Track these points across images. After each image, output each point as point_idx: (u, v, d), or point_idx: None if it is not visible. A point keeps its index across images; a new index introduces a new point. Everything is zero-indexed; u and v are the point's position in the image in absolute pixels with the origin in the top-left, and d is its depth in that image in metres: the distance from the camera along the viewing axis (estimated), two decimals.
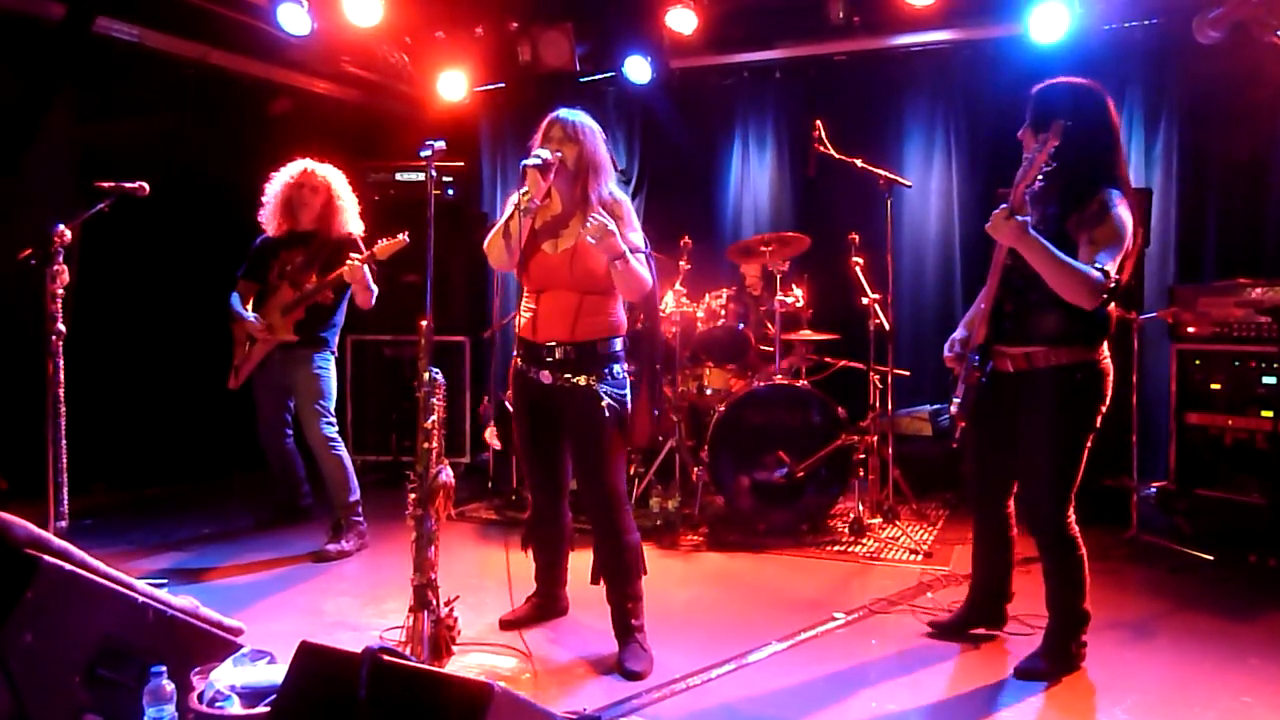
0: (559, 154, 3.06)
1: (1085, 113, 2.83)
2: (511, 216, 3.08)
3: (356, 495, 4.41)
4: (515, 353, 3.28)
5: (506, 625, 3.43)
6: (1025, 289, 2.86)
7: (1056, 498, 2.92)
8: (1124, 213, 2.79)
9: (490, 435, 4.96)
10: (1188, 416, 4.49)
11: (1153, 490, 4.55)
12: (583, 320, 3.11)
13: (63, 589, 2.32)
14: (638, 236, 3.14)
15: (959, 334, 3.18)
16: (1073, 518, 2.97)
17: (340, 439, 4.42)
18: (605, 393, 3.10)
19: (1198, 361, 4.48)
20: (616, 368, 3.15)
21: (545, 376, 3.15)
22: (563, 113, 3.16)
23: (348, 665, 1.80)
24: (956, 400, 3.06)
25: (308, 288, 4.30)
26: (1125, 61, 5.41)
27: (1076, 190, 2.84)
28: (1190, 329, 4.49)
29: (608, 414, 3.09)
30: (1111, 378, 2.93)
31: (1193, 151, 5.30)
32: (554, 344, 3.12)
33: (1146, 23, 5.23)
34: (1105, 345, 2.92)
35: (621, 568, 3.18)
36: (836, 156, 4.68)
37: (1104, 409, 2.92)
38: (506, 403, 5.45)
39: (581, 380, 3.11)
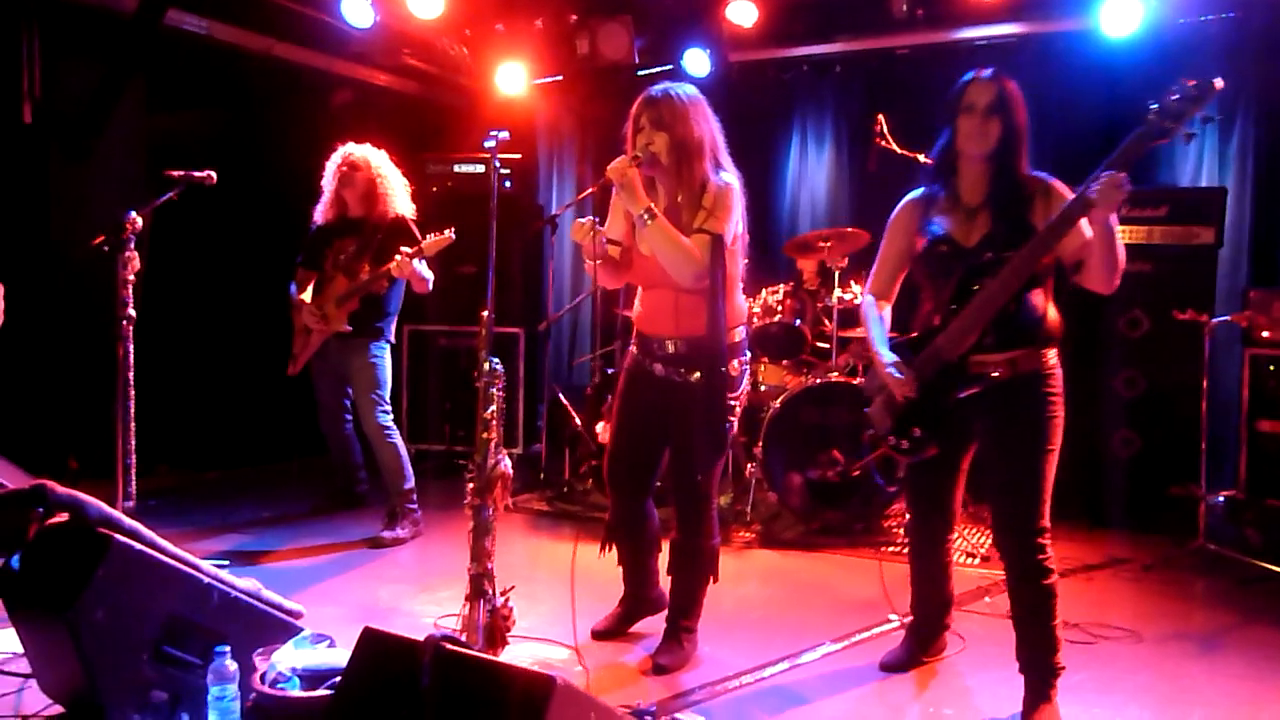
0: (638, 158, 2.87)
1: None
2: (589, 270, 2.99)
3: (411, 483, 4.45)
4: (631, 344, 3.19)
5: (599, 636, 3.30)
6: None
7: (1043, 514, 2.64)
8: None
9: (604, 430, 4.88)
10: (1260, 424, 4.35)
11: (1221, 499, 4.42)
12: (688, 317, 2.94)
13: (133, 568, 2.38)
14: (717, 224, 2.88)
15: (892, 357, 2.76)
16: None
17: (395, 428, 4.47)
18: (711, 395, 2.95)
19: (1272, 367, 4.33)
20: (734, 363, 2.99)
21: (658, 369, 3.06)
22: (654, 92, 2.91)
23: (411, 652, 1.81)
24: (917, 432, 2.73)
25: (361, 279, 4.34)
26: (1199, 57, 5.22)
27: (1021, 181, 2.68)
28: (1264, 333, 4.35)
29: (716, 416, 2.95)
30: None
31: (1269, 151, 5.14)
32: (665, 338, 3.01)
33: (1223, 16, 5.07)
34: None
35: (694, 568, 3.11)
36: (898, 151, 4.61)
37: None
38: (560, 396, 5.51)
39: (695, 377, 2.98)
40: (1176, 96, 2.39)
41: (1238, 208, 5.11)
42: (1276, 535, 4.25)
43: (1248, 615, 3.63)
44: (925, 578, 3.06)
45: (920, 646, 3.13)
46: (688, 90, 2.97)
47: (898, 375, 2.73)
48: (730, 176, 2.99)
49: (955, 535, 3.03)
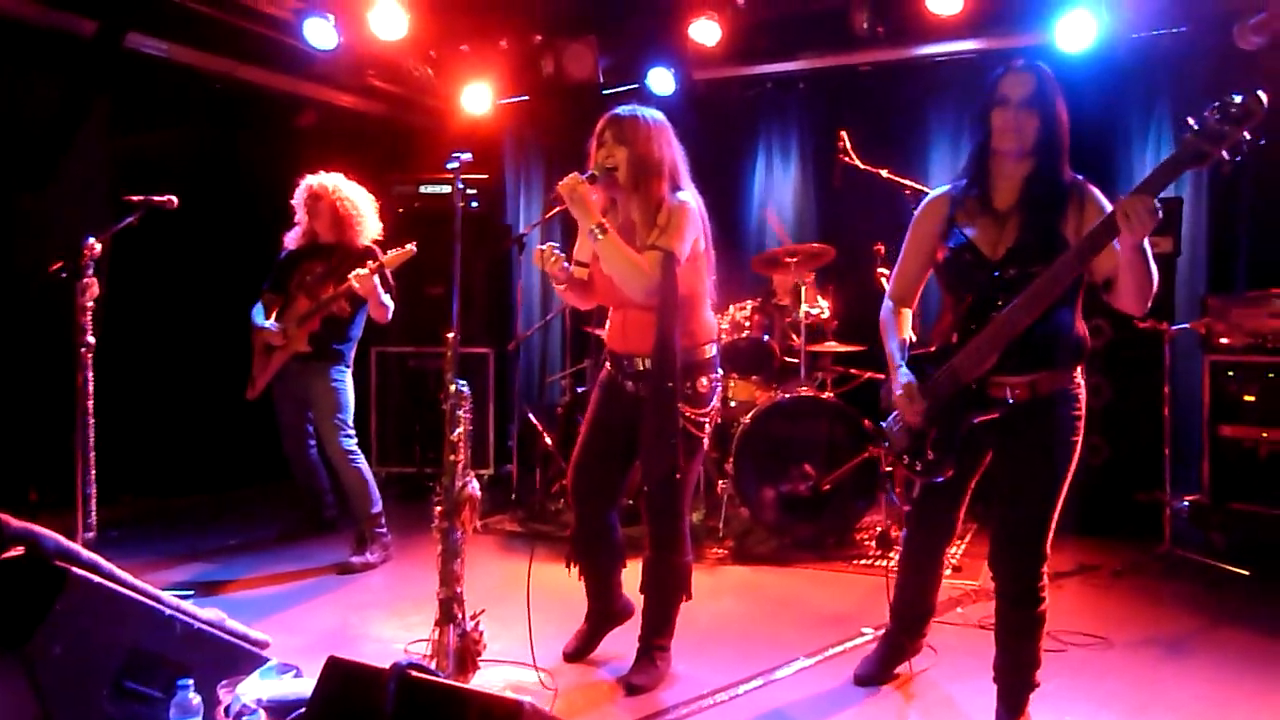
0: (594, 173, 2.90)
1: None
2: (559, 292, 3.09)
3: (379, 507, 4.41)
4: (604, 359, 3.21)
5: (571, 657, 3.29)
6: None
7: (1047, 540, 2.56)
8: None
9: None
10: (1221, 429, 4.41)
11: (1186, 504, 4.47)
12: (652, 334, 2.91)
13: (91, 601, 2.32)
14: (669, 241, 2.85)
15: (907, 376, 2.64)
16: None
17: (360, 451, 4.43)
18: (682, 409, 2.94)
19: (1231, 373, 4.40)
20: (703, 380, 3.00)
21: (630, 386, 3.06)
22: (620, 111, 2.96)
23: (375, 681, 1.79)
24: (931, 455, 2.63)
25: (322, 298, 4.31)
26: (1153, 70, 5.36)
27: (1062, 184, 2.53)
28: (1223, 340, 4.42)
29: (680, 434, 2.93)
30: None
31: None
32: (634, 356, 3.01)
33: (1175, 31, 5.17)
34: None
35: (665, 585, 3.10)
36: (862, 167, 4.64)
37: None
38: (531, 416, 5.48)
39: None
40: (1218, 116, 2.14)
41: (1194, 217, 5.19)
42: (1241, 538, 4.31)
43: (1215, 619, 3.67)
44: (914, 588, 3.02)
45: (894, 656, 3.11)
46: (654, 114, 2.99)
47: (908, 402, 2.62)
48: (688, 196, 2.99)
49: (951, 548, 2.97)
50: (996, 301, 2.49)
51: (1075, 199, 2.51)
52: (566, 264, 2.98)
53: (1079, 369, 2.58)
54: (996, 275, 2.51)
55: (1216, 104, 2.15)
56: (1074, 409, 2.56)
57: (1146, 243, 2.29)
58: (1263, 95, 2.10)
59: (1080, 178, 2.55)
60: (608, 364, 3.18)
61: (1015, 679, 2.69)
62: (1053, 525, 2.57)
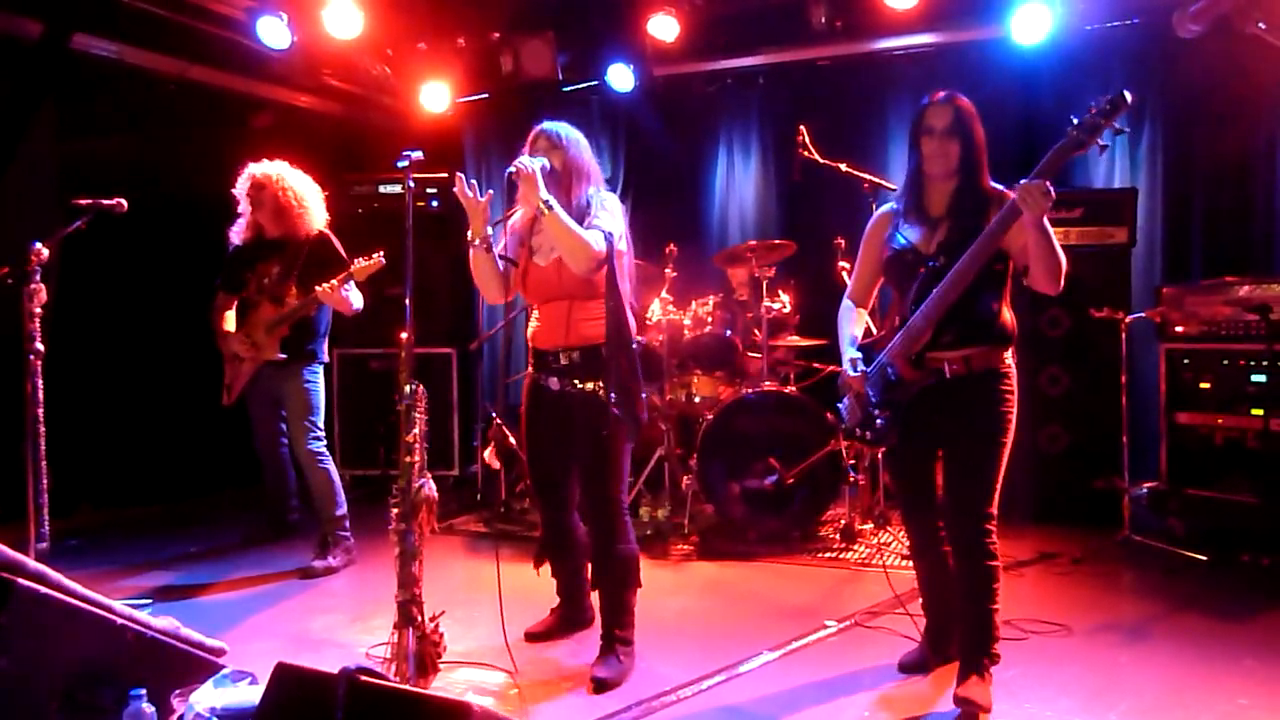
0: (544, 162, 3.01)
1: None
2: (473, 258, 3.10)
3: (343, 510, 4.36)
4: (528, 362, 3.27)
5: (532, 638, 3.42)
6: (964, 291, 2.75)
7: (991, 501, 2.79)
8: None
9: (490, 456, 4.91)
10: (1178, 416, 4.46)
11: (1144, 491, 4.53)
12: (582, 326, 3.07)
13: (38, 612, 2.28)
14: (606, 220, 3.03)
15: (854, 354, 2.95)
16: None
17: (328, 454, 4.38)
18: (613, 399, 3.00)
19: (1186, 361, 4.46)
20: None
21: (554, 383, 3.13)
22: (546, 124, 3.16)
23: (325, 686, 1.76)
24: (879, 422, 2.88)
25: (290, 303, 4.25)
26: (1108, 62, 5.41)
27: (984, 194, 2.84)
28: (1178, 328, 4.48)
29: (612, 422, 2.99)
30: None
31: (1177, 151, 5.30)
32: (559, 350, 3.10)
33: (1128, 22, 5.23)
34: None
35: (615, 577, 3.15)
36: (821, 161, 4.66)
37: None
38: (494, 415, 5.45)
39: (589, 386, 3.07)
40: (1093, 111, 2.56)
41: (1149, 207, 5.26)
42: (1198, 524, 4.37)
43: (1173, 604, 3.72)
44: (930, 577, 3.10)
45: (933, 647, 3.13)
46: (573, 129, 3.19)
47: (852, 372, 2.91)
48: (607, 194, 3.17)
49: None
50: (931, 289, 2.78)
51: (996, 203, 2.79)
52: (489, 231, 3.07)
53: (1008, 351, 2.86)
54: (930, 265, 2.82)
55: (1093, 101, 2.58)
56: (1005, 384, 2.83)
57: (1047, 223, 2.61)
58: (1128, 94, 2.54)
59: (1000, 187, 2.85)
60: (530, 367, 3.24)
61: (974, 642, 2.80)
62: (995, 487, 2.80)
